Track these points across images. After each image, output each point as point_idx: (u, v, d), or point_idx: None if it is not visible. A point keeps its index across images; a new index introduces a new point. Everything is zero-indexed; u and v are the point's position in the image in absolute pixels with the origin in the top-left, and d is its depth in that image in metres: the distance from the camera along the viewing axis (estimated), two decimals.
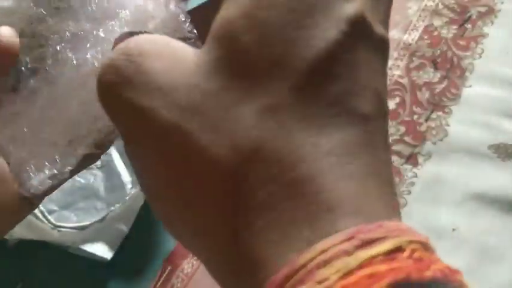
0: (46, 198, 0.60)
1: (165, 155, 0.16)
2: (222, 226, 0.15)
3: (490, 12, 0.68)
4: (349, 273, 0.13)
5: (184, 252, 0.59)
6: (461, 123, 0.62)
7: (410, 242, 0.14)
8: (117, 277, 0.58)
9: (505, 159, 0.59)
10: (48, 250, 0.57)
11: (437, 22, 0.68)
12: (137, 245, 0.59)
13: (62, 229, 0.53)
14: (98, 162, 0.64)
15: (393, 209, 0.16)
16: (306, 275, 0.13)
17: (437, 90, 0.64)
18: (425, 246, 0.15)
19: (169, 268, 0.58)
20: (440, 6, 0.69)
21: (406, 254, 0.14)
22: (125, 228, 0.57)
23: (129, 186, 0.61)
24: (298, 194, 0.15)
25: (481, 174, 0.59)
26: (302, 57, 0.15)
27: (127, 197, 0.55)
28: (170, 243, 0.59)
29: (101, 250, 0.56)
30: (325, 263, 0.13)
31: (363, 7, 0.16)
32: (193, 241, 0.17)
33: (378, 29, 0.16)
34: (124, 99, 0.16)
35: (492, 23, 0.67)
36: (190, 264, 0.58)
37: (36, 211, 0.53)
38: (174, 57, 0.16)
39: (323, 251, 0.14)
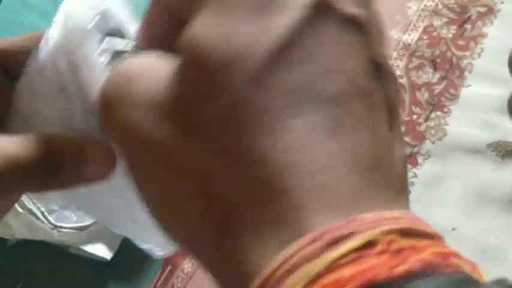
0: (46, 198, 0.60)
1: (156, 171, 0.16)
2: (205, 233, 0.15)
3: (490, 12, 0.68)
4: (315, 279, 0.13)
5: (184, 252, 0.59)
6: (460, 123, 0.62)
7: (387, 232, 0.13)
8: (117, 277, 0.58)
9: (504, 158, 0.59)
10: (48, 250, 0.57)
11: (436, 22, 0.68)
12: (137, 245, 0.59)
13: (62, 229, 0.53)
14: None
15: (378, 193, 0.15)
16: (275, 284, 0.13)
17: (437, 91, 0.64)
18: (411, 233, 0.14)
19: (169, 268, 0.58)
20: (440, 6, 0.69)
21: (379, 248, 0.13)
22: None
23: None
24: (266, 197, 0.14)
25: (480, 173, 0.59)
26: (260, 48, 0.15)
27: None
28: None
29: (101, 250, 0.56)
30: (293, 269, 0.13)
31: None
32: (186, 246, 0.17)
33: (347, 8, 0.16)
34: (119, 118, 0.17)
35: (492, 23, 0.67)
36: (190, 264, 0.58)
37: (36, 211, 0.53)
38: (154, 74, 0.17)
39: (290, 257, 0.13)
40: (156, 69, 0.17)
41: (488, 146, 0.60)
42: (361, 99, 0.15)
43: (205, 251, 0.16)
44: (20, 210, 0.52)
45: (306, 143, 0.14)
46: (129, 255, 0.58)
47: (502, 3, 0.68)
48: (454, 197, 0.58)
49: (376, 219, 0.13)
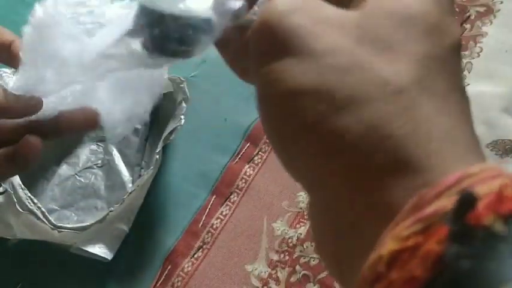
0: (47, 198, 0.60)
1: (322, 69, 0.18)
2: (372, 134, 0.17)
3: (489, 12, 0.68)
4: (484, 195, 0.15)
5: (184, 251, 0.59)
6: None
7: None
8: (117, 277, 0.58)
9: (503, 156, 0.59)
10: (48, 250, 0.57)
11: None
12: (137, 245, 0.59)
13: (63, 230, 0.53)
14: (99, 162, 0.64)
15: (480, 150, 0.18)
16: (479, 181, 0.16)
17: None
18: None
19: (169, 267, 0.58)
20: None
21: None
22: (125, 228, 0.58)
23: (129, 185, 0.61)
24: (454, 122, 0.18)
25: None
26: (452, 32, 0.18)
27: (127, 196, 0.55)
28: (170, 242, 0.59)
29: (101, 250, 0.56)
30: (496, 177, 0.16)
31: None
32: (322, 162, 0.19)
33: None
34: (294, 22, 0.19)
35: (491, 22, 0.68)
36: (190, 263, 0.58)
37: (37, 211, 0.53)
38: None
39: (490, 168, 0.16)
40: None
41: (488, 145, 0.60)
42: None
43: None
44: (21, 210, 0.53)
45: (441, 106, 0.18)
46: (129, 255, 0.59)
47: (501, 2, 0.69)
48: None
49: (499, 170, 0.16)
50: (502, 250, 0.14)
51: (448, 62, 0.18)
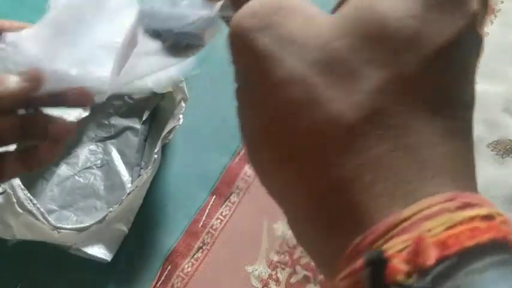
0: (46, 198, 0.60)
1: (279, 103, 0.17)
2: (324, 178, 0.17)
3: (490, 11, 0.68)
4: (452, 226, 0.15)
5: (184, 252, 0.59)
6: None
7: (498, 213, 0.16)
8: (117, 277, 0.58)
9: (504, 156, 0.59)
10: (48, 250, 0.57)
11: None
12: (137, 245, 0.59)
13: (62, 230, 0.53)
14: (98, 162, 0.64)
15: (476, 186, 0.18)
16: (410, 225, 0.15)
17: None
18: (508, 222, 0.16)
19: (169, 267, 0.58)
20: None
21: (498, 220, 0.16)
22: (125, 228, 0.57)
23: (128, 185, 0.61)
24: (409, 159, 0.16)
25: (480, 172, 0.59)
26: (433, 39, 0.16)
27: (126, 197, 0.55)
28: (170, 242, 0.59)
29: (101, 251, 0.56)
30: (430, 216, 0.15)
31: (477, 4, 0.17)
32: (287, 195, 0.18)
33: (478, 25, 0.18)
34: (257, 43, 0.18)
35: (492, 22, 0.68)
36: (190, 264, 0.58)
37: (36, 212, 0.53)
38: (308, 15, 0.18)
39: (427, 207, 0.15)
40: (310, 13, 0.18)
41: (489, 145, 0.60)
42: (474, 106, 0.19)
43: (316, 198, 0.17)
44: (20, 211, 0.52)
45: (443, 133, 0.17)
46: (129, 255, 0.59)
47: (502, 2, 0.68)
48: None
49: (486, 201, 0.16)
50: None
51: (422, 78, 0.17)
